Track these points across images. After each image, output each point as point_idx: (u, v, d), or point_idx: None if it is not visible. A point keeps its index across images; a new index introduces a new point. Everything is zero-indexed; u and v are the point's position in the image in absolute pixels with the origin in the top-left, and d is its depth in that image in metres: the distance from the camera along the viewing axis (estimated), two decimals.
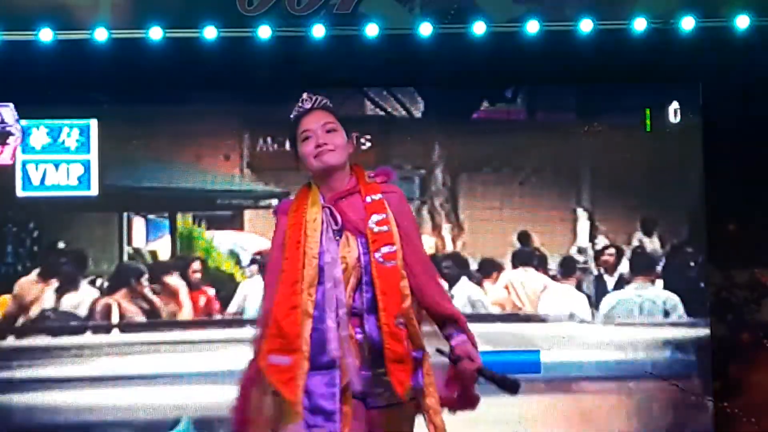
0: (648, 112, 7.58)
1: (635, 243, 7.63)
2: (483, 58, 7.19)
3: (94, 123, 7.53)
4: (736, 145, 7.24)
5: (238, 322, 7.50)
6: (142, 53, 7.13)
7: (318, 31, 7.12)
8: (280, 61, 7.17)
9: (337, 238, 3.98)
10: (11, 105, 7.42)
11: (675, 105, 7.56)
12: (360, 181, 4.06)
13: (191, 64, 7.18)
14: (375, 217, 3.96)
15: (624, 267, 7.61)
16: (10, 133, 7.42)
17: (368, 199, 3.99)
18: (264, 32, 7.12)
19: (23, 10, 7.06)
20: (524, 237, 7.60)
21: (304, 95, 4.14)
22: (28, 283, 7.50)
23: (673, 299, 7.56)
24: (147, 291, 7.54)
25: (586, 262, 7.65)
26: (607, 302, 7.60)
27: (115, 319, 7.53)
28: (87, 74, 7.22)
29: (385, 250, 3.94)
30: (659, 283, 7.62)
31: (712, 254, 7.49)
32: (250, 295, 7.49)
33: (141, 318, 7.54)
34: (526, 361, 7.51)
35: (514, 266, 7.59)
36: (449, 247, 7.59)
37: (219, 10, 7.13)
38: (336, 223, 3.97)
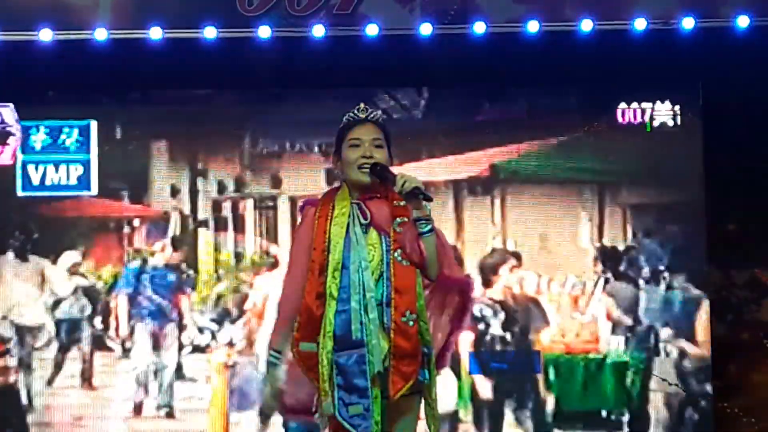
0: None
1: (635, 243, 7.64)
2: (483, 59, 7.19)
3: (94, 123, 7.53)
4: (736, 145, 7.25)
5: None
6: (142, 53, 7.12)
7: (318, 31, 7.12)
8: (280, 61, 7.17)
9: (365, 231, 4.21)
10: (11, 105, 7.42)
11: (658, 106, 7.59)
12: (389, 188, 4.25)
13: (191, 64, 7.17)
14: (398, 220, 4.19)
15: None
16: (10, 134, 7.43)
17: (395, 203, 4.21)
18: (264, 32, 7.12)
19: (23, 10, 7.07)
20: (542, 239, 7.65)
21: (361, 105, 4.33)
22: None
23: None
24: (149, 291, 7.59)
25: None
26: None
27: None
28: (87, 74, 7.22)
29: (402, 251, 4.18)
30: (662, 284, 7.63)
31: (712, 254, 7.49)
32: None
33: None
34: (526, 361, 7.56)
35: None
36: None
37: (219, 10, 7.14)
38: (365, 217, 4.19)
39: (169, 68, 7.19)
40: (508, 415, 7.52)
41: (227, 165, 7.63)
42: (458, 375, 7.50)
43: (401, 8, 7.21)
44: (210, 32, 7.12)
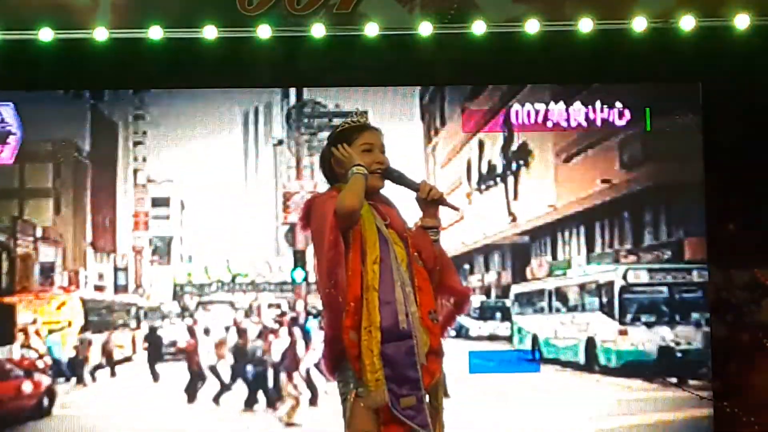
0: (648, 112, 7.57)
1: (635, 243, 7.65)
2: (482, 58, 7.18)
3: None
4: (736, 145, 7.23)
5: None
6: (142, 53, 7.12)
7: (317, 30, 7.12)
8: (279, 60, 7.17)
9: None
10: (11, 104, 7.44)
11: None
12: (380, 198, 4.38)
13: (191, 63, 7.17)
14: (408, 226, 4.34)
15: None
16: (10, 133, 7.44)
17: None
18: (264, 32, 7.12)
19: (23, 10, 7.07)
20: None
21: (359, 110, 4.45)
22: None
23: None
24: None
25: None
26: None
27: None
28: (87, 74, 7.23)
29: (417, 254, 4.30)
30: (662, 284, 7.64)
31: (712, 254, 7.48)
32: None
33: None
34: (525, 360, 7.59)
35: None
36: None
37: (219, 9, 7.14)
38: (384, 219, 4.28)
39: (169, 68, 7.19)
40: None
41: (227, 162, 7.67)
42: None
43: (401, 8, 7.20)
44: (210, 32, 7.12)
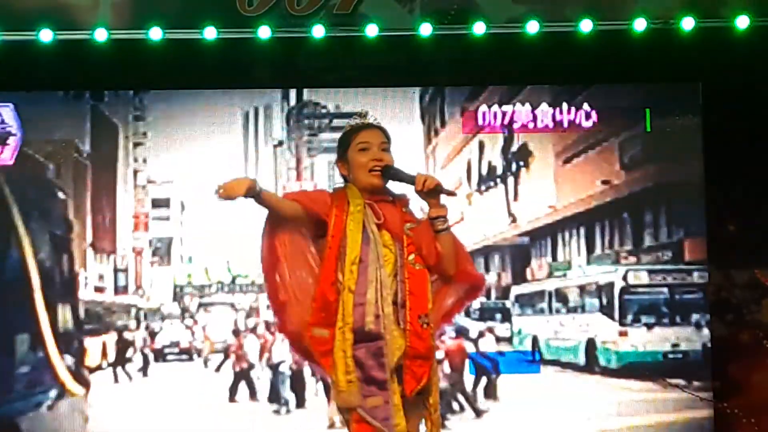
0: (648, 112, 7.58)
1: (635, 244, 7.65)
2: (483, 59, 7.18)
3: None
4: (736, 145, 7.24)
5: None
6: (142, 53, 7.12)
7: (318, 31, 7.12)
8: (279, 61, 7.18)
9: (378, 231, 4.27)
10: (11, 105, 7.44)
11: None
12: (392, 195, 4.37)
13: (191, 64, 7.18)
14: (408, 225, 4.29)
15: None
16: (10, 134, 7.44)
17: (403, 209, 4.33)
18: (264, 32, 7.12)
19: (23, 10, 7.07)
20: None
21: (362, 110, 4.45)
22: None
23: None
24: None
25: None
26: None
27: None
28: (87, 74, 7.23)
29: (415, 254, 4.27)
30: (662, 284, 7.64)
31: (712, 254, 7.48)
32: None
33: None
34: (525, 361, 7.59)
35: None
36: None
37: (219, 10, 7.14)
38: (378, 218, 4.25)
39: (169, 68, 7.20)
40: None
41: (227, 163, 7.66)
42: None
43: (401, 8, 7.20)
44: (210, 32, 7.12)
